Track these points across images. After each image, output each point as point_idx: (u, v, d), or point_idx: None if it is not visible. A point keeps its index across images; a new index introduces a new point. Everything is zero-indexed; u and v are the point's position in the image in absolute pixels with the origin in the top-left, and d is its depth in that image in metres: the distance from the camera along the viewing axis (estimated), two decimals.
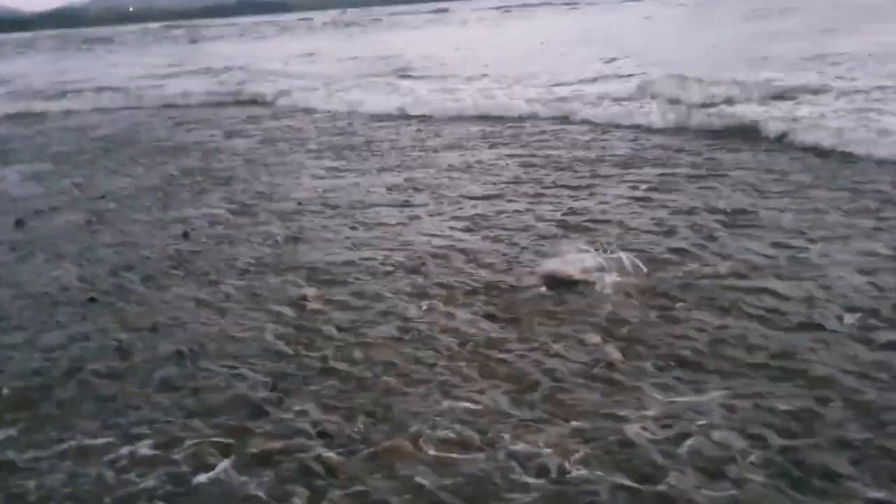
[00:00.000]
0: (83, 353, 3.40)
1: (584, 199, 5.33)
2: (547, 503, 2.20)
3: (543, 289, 3.76)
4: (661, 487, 2.22)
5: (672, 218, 4.72)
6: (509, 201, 5.41)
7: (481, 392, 2.82)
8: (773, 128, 6.97)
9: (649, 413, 2.59)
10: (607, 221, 4.78)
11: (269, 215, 5.50)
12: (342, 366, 3.11)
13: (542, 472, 2.33)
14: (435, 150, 7.59)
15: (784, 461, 2.29)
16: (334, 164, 7.26)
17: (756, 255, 3.98)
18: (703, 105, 8.24)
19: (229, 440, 2.62)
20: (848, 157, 5.94)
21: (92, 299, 4.04)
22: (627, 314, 3.39)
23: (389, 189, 6.07)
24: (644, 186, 5.52)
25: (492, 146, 7.58)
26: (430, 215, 5.22)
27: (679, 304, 3.45)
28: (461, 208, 5.33)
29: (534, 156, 6.90)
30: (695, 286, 3.64)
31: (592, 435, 2.49)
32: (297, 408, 2.80)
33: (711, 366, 2.89)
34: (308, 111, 11.17)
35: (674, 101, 8.54)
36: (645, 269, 3.82)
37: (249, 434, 2.65)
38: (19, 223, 5.74)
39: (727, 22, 21.79)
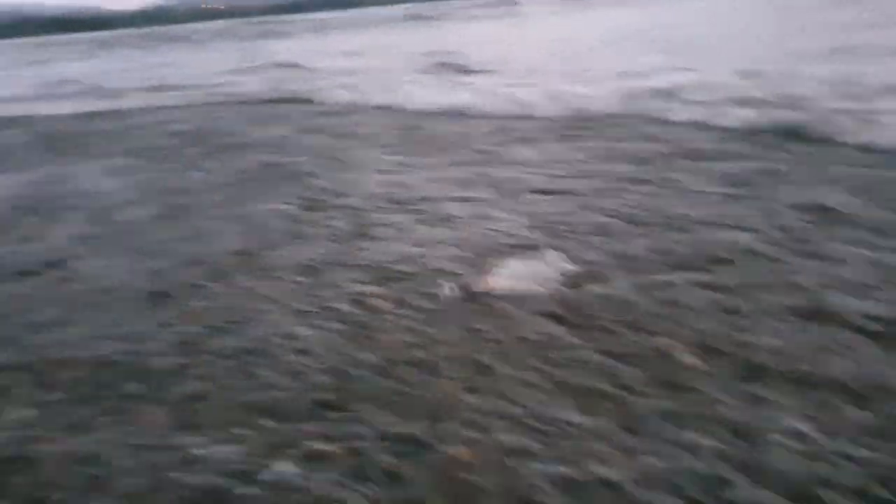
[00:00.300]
0: (148, 347, 3.43)
1: (656, 195, 5.16)
2: None
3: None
4: None
5: (752, 216, 4.52)
6: (578, 197, 5.27)
7: (547, 399, 2.72)
8: (852, 127, 6.47)
9: None
10: (678, 217, 4.60)
11: (336, 211, 5.50)
12: (405, 367, 3.05)
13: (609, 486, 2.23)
14: (502, 145, 7.47)
15: None
16: (402, 159, 7.23)
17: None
18: (779, 102, 7.83)
19: (289, 438, 2.60)
20: None
21: (160, 293, 4.09)
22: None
23: (456, 184, 5.99)
24: (720, 183, 5.30)
25: (560, 140, 7.43)
26: (497, 211, 5.13)
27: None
28: (529, 204, 5.22)
29: (605, 151, 6.72)
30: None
31: (650, 448, 2.38)
32: (358, 408, 2.76)
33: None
34: (377, 107, 11.15)
35: (749, 99, 8.16)
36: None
37: (310, 433, 2.62)
38: (95, 217, 5.89)
39: (804, 8, 20.89)
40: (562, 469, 2.32)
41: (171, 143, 9.58)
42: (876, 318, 3.07)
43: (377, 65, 17.91)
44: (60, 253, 5.04)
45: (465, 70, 14.50)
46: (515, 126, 8.55)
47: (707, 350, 2.96)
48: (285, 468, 2.44)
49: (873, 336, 2.94)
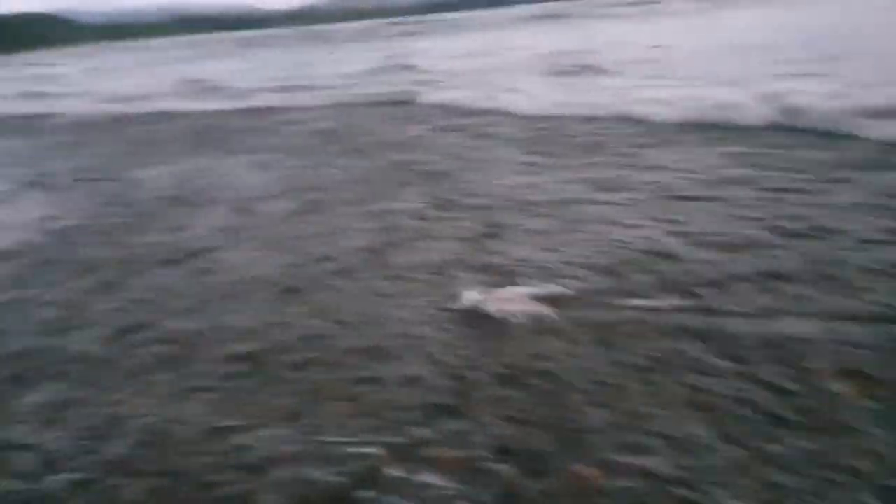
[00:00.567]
0: (273, 342, 3.48)
1: (808, 205, 4.79)
2: None
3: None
4: None
5: None
6: (724, 204, 4.97)
7: (681, 421, 2.54)
8: None
9: None
10: (829, 230, 4.26)
11: (467, 211, 5.45)
12: (529, 376, 2.92)
13: None
14: (641, 147, 7.19)
15: None
16: (535, 159, 7.09)
17: None
18: None
19: (404, 443, 2.54)
20: None
21: (291, 288, 4.16)
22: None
23: (592, 187, 5.80)
24: (881, 195, 4.87)
25: (705, 145, 7.05)
26: (632, 215, 4.91)
27: None
28: (668, 209, 4.97)
29: (753, 158, 6.30)
30: None
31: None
32: (476, 416, 2.67)
33: None
34: (509, 108, 10.92)
35: None
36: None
37: (425, 440, 2.55)
38: (235, 210, 6.12)
39: None
40: (691, 494, 2.16)
41: (311, 141, 9.84)
42: None
43: (511, 65, 17.81)
44: (203, 243, 5.24)
45: (601, 70, 14.13)
46: (653, 129, 8.21)
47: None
48: (396, 472, 2.39)
49: None
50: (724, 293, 3.54)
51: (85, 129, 13.86)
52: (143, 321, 3.87)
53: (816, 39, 15.61)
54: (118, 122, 14.48)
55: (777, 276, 3.68)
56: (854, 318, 3.17)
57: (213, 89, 18.82)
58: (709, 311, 3.35)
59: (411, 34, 47.80)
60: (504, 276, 4.01)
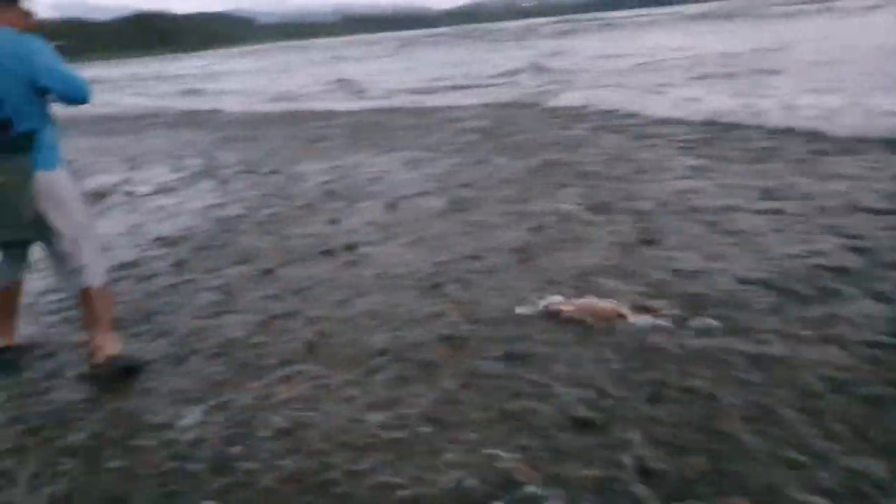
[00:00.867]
0: (413, 339, 3.44)
1: None
2: None
3: None
4: None
5: None
6: None
7: (846, 452, 2.26)
8: None
9: None
10: None
11: (622, 215, 5.21)
12: (680, 395, 2.72)
13: None
14: (815, 155, 6.64)
15: None
16: (699, 163, 6.72)
17: None
18: None
19: (542, 457, 2.41)
20: None
21: (435, 285, 4.12)
22: None
23: (760, 194, 5.41)
24: None
25: (888, 154, 6.41)
26: (805, 227, 4.52)
27: None
28: (846, 222, 4.54)
29: None
30: None
31: None
32: (620, 435, 2.49)
33: None
34: (669, 111, 10.35)
35: None
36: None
37: (564, 455, 2.41)
38: (388, 206, 6.19)
39: None
40: None
41: (464, 139, 9.85)
42: None
43: (670, 65, 17.15)
44: (356, 236, 5.33)
45: (771, 72, 13.26)
46: (828, 137, 7.49)
47: None
48: (529, 490, 2.26)
49: None
50: None
51: (252, 124, 14.66)
52: (292, 310, 3.96)
53: None
54: (282, 119, 15.21)
55: None
56: None
57: (367, 89, 19.43)
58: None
59: (572, 33, 47.38)
60: (656, 287, 3.78)
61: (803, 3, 48.95)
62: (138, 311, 4.16)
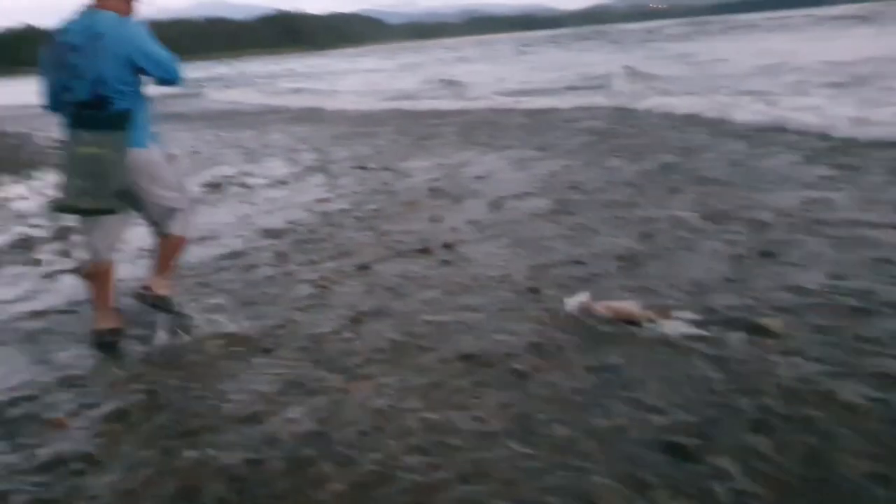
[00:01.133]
0: (504, 346, 3.28)
1: None
2: None
3: None
4: None
5: None
6: None
7: None
8: None
9: None
10: None
11: (740, 224, 4.87)
12: (786, 423, 2.46)
13: None
14: None
15: None
16: (828, 173, 6.22)
17: None
18: None
19: (633, 486, 2.21)
20: None
21: (530, 289, 3.95)
22: None
23: (894, 209, 4.96)
24: None
25: None
26: None
27: None
28: None
29: None
30: None
31: None
32: (717, 463, 2.27)
33: None
34: (792, 118, 9.51)
35: None
36: None
37: (656, 483, 2.21)
38: (491, 205, 6.05)
39: None
40: None
41: (578, 140, 9.57)
42: None
43: (794, 70, 16.23)
44: (456, 235, 5.22)
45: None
46: None
47: None
48: None
49: None
50: None
51: (366, 121, 14.83)
52: (383, 307, 3.89)
53: None
54: (395, 117, 15.32)
55: None
56: None
57: (479, 88, 19.45)
58: None
59: (700, 35, 45.79)
60: (778, 304, 3.47)
61: None
62: (237, 299, 4.20)
